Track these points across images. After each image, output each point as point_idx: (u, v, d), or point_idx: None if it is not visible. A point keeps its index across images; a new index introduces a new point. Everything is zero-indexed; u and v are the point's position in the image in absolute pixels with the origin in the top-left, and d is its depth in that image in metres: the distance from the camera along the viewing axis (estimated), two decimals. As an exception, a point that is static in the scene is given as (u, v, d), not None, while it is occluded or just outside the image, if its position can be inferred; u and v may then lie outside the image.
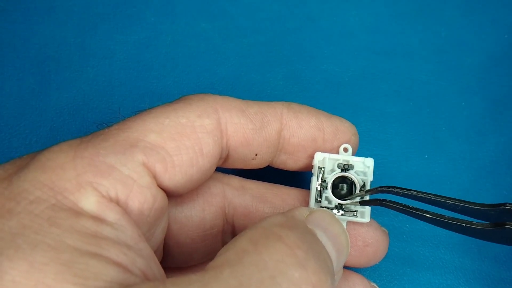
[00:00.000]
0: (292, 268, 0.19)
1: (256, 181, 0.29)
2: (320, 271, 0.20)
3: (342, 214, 0.27)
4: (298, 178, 0.34)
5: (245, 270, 0.19)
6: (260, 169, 0.29)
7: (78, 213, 0.20)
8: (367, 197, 0.26)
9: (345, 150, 0.27)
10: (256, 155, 0.27)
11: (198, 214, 0.27)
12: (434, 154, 0.35)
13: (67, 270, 0.18)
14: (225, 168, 0.28)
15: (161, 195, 0.24)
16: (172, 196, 0.25)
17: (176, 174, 0.24)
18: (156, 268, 0.21)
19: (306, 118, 0.27)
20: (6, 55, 0.36)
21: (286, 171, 0.29)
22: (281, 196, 0.28)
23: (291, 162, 0.28)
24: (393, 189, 0.24)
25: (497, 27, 0.39)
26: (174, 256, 0.27)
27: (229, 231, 0.29)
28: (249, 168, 0.28)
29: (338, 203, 0.27)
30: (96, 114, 0.35)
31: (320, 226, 0.23)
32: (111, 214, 0.21)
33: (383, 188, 0.25)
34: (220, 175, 0.28)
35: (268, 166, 0.29)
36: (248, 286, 0.18)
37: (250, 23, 0.38)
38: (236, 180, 0.29)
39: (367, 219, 0.26)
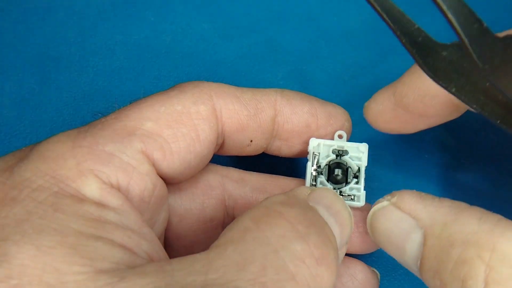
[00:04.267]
0: (294, 242, 0.20)
1: (255, 172, 0.29)
2: (322, 245, 0.20)
3: None
4: (293, 166, 0.34)
5: (248, 246, 0.19)
6: (255, 156, 0.29)
7: (81, 199, 0.20)
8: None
9: (340, 136, 0.28)
10: (251, 141, 0.27)
11: (198, 207, 0.28)
12: (434, 154, 0.35)
13: (74, 252, 0.18)
14: (221, 156, 0.28)
15: (160, 183, 0.24)
16: (171, 184, 0.25)
17: (174, 161, 0.24)
18: (161, 251, 0.21)
19: (299, 104, 0.28)
20: (6, 55, 0.36)
21: (282, 159, 0.30)
22: (281, 186, 0.29)
23: (285, 148, 0.28)
24: None
25: (497, 27, 0.39)
26: (174, 249, 0.28)
27: (229, 223, 0.29)
28: (244, 155, 0.28)
29: (334, 188, 0.27)
30: (96, 114, 0.35)
31: (322, 204, 0.23)
32: (114, 200, 0.21)
33: None
34: (219, 168, 0.29)
35: (263, 153, 0.29)
36: (252, 261, 0.19)
37: (250, 23, 0.38)
38: (235, 173, 0.29)
39: (362, 203, 0.27)
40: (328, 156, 0.27)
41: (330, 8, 0.39)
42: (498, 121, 0.21)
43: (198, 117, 0.25)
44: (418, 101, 0.26)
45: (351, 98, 0.36)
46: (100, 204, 0.20)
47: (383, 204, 0.25)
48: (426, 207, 0.23)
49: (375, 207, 0.25)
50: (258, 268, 0.18)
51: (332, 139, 0.28)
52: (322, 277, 0.20)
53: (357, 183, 0.27)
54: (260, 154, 0.29)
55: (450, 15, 0.17)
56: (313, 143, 0.27)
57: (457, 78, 0.21)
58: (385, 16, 0.21)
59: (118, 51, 0.37)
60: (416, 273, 0.24)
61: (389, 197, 0.25)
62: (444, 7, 0.17)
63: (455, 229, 0.22)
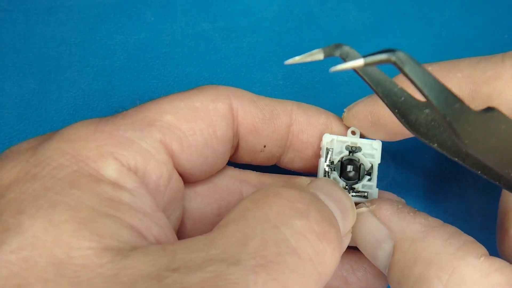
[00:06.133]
0: (294, 218, 0.20)
1: (274, 174, 0.29)
2: (323, 222, 0.20)
3: (352, 196, 0.27)
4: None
5: (248, 224, 0.19)
6: (267, 167, 0.29)
7: (99, 179, 0.21)
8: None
9: (353, 133, 0.28)
10: (265, 146, 0.27)
11: (214, 211, 0.28)
12: (433, 154, 0.35)
13: (84, 227, 0.19)
14: (236, 165, 0.29)
15: (176, 176, 0.24)
16: (188, 182, 0.26)
17: (191, 154, 0.24)
18: (172, 237, 0.22)
19: (315, 115, 0.28)
20: (6, 55, 0.36)
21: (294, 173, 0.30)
22: None
23: (298, 160, 0.28)
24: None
25: (497, 27, 0.39)
26: None
27: None
28: (257, 163, 0.28)
29: (346, 184, 0.27)
30: (96, 114, 0.35)
31: (322, 191, 0.23)
32: (130, 182, 0.21)
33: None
34: (237, 172, 0.29)
35: (275, 165, 0.29)
36: (253, 237, 0.19)
37: (250, 23, 0.38)
38: (253, 176, 0.29)
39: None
40: (341, 152, 0.27)
41: (330, 8, 0.39)
42: (479, 172, 0.22)
43: (216, 114, 0.25)
44: (395, 123, 0.26)
45: (351, 98, 0.36)
46: (117, 185, 0.21)
47: (362, 210, 0.25)
48: (399, 221, 0.24)
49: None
50: (259, 242, 0.19)
51: (345, 135, 0.28)
52: (324, 252, 0.20)
53: (369, 180, 0.27)
54: (273, 167, 0.29)
55: (431, 98, 0.18)
56: (327, 139, 0.27)
57: (439, 134, 0.22)
58: (367, 79, 0.22)
59: (118, 51, 0.37)
60: (387, 278, 0.25)
61: (369, 204, 0.25)
62: (425, 91, 0.17)
63: (421, 247, 0.23)
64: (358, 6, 0.39)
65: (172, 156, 0.24)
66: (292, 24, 0.38)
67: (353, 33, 0.38)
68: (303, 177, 0.25)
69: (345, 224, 0.23)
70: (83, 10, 0.37)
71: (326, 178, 0.26)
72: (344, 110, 0.28)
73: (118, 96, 0.35)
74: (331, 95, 0.36)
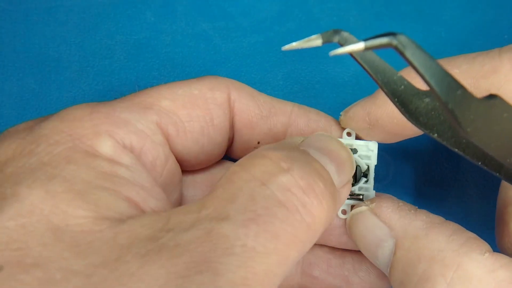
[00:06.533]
0: (278, 175, 0.20)
1: None
2: (308, 176, 0.21)
3: (348, 198, 0.27)
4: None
5: (235, 185, 0.20)
6: None
7: (94, 155, 0.21)
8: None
9: (349, 134, 0.28)
10: (258, 143, 0.27)
11: None
12: (433, 155, 0.35)
13: (81, 198, 0.19)
14: (230, 159, 0.29)
15: (173, 159, 0.25)
16: (186, 169, 0.26)
17: (187, 140, 0.25)
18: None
19: (315, 118, 0.28)
20: (6, 55, 0.36)
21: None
22: None
23: None
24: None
25: (497, 27, 0.39)
26: None
27: None
28: None
29: None
30: (96, 114, 0.35)
31: (314, 146, 0.23)
32: (127, 158, 0.22)
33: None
34: None
35: None
36: (241, 195, 0.19)
37: (250, 23, 0.38)
38: None
39: None
40: None
41: (330, 8, 0.39)
42: (480, 163, 0.21)
43: (213, 102, 0.25)
44: (394, 123, 0.26)
45: (351, 98, 0.36)
46: (113, 160, 0.21)
47: (361, 209, 0.25)
48: (400, 218, 0.24)
49: (354, 211, 0.26)
50: (247, 199, 0.19)
51: (342, 137, 0.28)
52: (311, 204, 0.20)
53: (366, 182, 0.27)
54: None
55: (433, 85, 0.17)
56: None
57: (439, 124, 0.21)
58: (366, 66, 0.22)
59: (118, 51, 0.37)
60: (389, 278, 0.24)
61: (368, 202, 0.25)
62: (427, 77, 0.17)
63: (424, 244, 0.23)
64: (358, 6, 0.39)
65: (168, 139, 0.24)
66: (292, 24, 0.38)
67: (353, 33, 0.38)
68: (295, 137, 0.25)
69: (341, 175, 0.23)
70: (83, 10, 0.37)
71: (321, 133, 0.25)
72: (341, 113, 0.28)
73: (118, 96, 0.35)
74: (331, 95, 0.36)
